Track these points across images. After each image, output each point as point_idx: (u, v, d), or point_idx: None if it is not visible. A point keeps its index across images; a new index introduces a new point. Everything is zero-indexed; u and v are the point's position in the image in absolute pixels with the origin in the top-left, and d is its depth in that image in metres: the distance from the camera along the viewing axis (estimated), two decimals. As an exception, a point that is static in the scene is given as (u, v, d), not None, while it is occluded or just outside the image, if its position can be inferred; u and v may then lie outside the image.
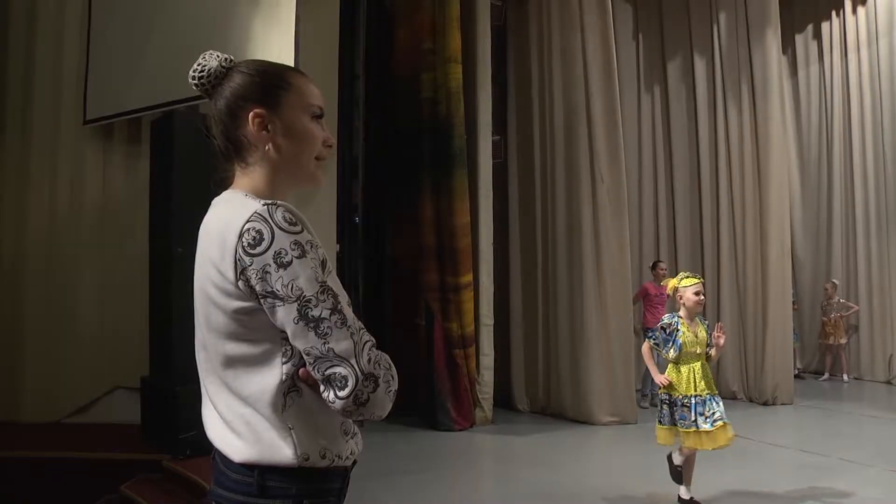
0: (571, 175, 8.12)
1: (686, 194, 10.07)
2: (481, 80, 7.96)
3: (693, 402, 4.64)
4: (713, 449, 4.63)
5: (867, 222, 11.23)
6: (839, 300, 11.11)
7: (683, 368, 4.72)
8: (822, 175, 11.95)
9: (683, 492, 4.80)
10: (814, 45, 12.16)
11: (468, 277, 7.58)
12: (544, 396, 8.33)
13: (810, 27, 12.16)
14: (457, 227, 7.55)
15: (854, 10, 11.50)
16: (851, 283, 11.37)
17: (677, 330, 4.68)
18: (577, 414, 7.83)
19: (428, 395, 7.55)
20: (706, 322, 4.86)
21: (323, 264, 1.41)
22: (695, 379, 4.68)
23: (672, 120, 10.19)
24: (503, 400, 8.28)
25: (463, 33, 7.79)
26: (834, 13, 11.79)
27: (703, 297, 4.73)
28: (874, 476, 5.73)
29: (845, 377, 11.05)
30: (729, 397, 9.17)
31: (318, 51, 6.15)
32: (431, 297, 7.60)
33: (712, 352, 4.73)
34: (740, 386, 9.37)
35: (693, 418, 4.61)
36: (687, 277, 4.82)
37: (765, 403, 8.99)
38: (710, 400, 4.67)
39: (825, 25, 11.97)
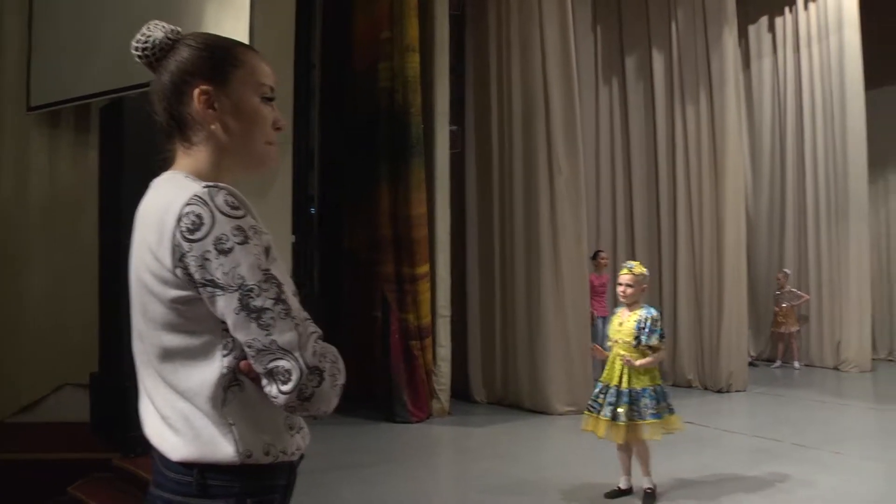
0: (529, 166, 8.10)
1: (644, 185, 10.14)
2: (439, 69, 7.89)
3: (609, 390, 4.66)
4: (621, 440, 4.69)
5: (818, 214, 11.47)
6: (790, 289, 11.32)
7: (611, 356, 4.75)
8: (775, 167, 12.16)
9: (622, 481, 4.83)
10: (767, 38, 12.35)
11: (425, 268, 7.53)
12: (502, 387, 8.32)
13: (764, 20, 12.34)
14: (413, 218, 7.48)
15: (805, 6, 11.71)
16: (803, 272, 11.60)
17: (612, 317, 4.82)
18: (534, 404, 7.84)
19: (384, 387, 7.50)
20: (650, 314, 4.72)
21: (267, 251, 1.33)
22: (611, 366, 4.70)
23: (630, 111, 10.24)
24: (460, 391, 8.25)
25: (421, 22, 7.72)
26: (787, 8, 11.99)
27: (626, 288, 4.70)
28: (823, 459, 5.89)
29: (796, 364, 11.29)
30: (684, 385, 9.36)
31: (273, 38, 6.03)
32: (388, 289, 7.54)
33: (635, 362, 4.62)
34: (696, 374, 9.49)
35: (604, 405, 4.64)
36: (622, 268, 4.85)
37: (719, 391, 9.13)
38: (624, 392, 4.63)
39: (778, 20, 12.17)
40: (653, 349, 4.65)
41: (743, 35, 11.98)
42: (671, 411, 4.71)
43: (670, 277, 9.76)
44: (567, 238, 7.96)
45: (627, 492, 4.83)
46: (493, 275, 8.43)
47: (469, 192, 8.64)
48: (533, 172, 8.05)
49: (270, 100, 1.52)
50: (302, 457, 1.51)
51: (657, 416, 4.63)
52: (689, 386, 9.39)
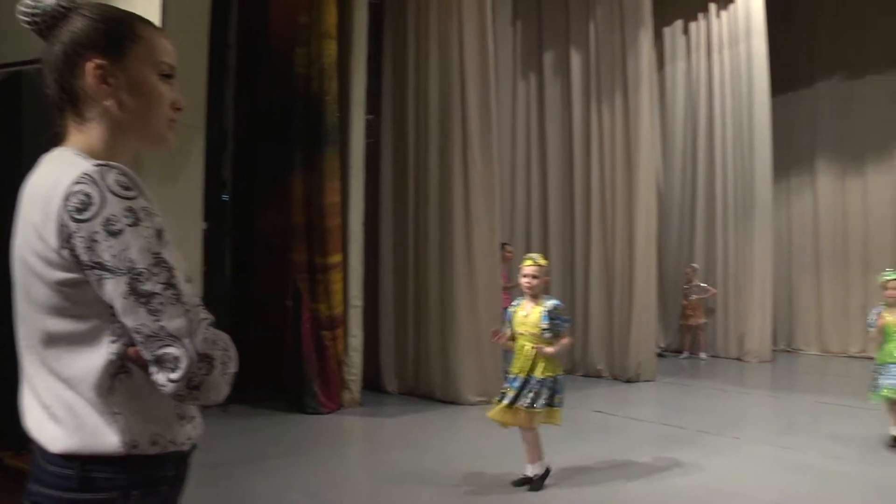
0: (444, 158, 8.10)
1: (558, 180, 10.29)
2: (356, 57, 7.79)
3: (516, 379, 4.73)
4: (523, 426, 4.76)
5: (726, 213, 12.00)
6: (698, 284, 11.72)
7: (517, 346, 4.81)
8: (686, 166, 12.59)
9: (528, 469, 4.90)
10: (682, 42, 12.77)
11: (337, 258, 7.44)
12: (413, 378, 8.32)
13: (679, 23, 12.76)
14: (327, 207, 7.37)
15: (718, 14, 12.17)
16: (710, 268, 12.08)
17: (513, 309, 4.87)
18: (445, 394, 7.87)
19: (295, 378, 7.38)
20: (557, 304, 4.81)
21: (159, 234, 1.28)
22: (521, 358, 4.76)
23: (547, 107, 10.37)
24: (372, 382, 8.22)
25: (339, 9, 7.60)
26: (701, 14, 12.41)
27: (531, 279, 4.76)
28: (721, 444, 6.16)
29: (703, 355, 11.74)
30: (594, 375, 9.56)
31: (187, 15, 5.84)
32: (300, 278, 7.42)
33: (547, 349, 4.71)
34: (606, 364, 9.72)
35: (510, 394, 4.71)
36: (524, 259, 4.91)
37: (628, 381, 9.39)
38: (534, 380, 4.70)
39: (693, 24, 12.62)
40: (559, 338, 4.76)
41: (658, 37, 12.36)
42: (560, 404, 4.82)
43: (583, 271, 9.96)
44: (480, 230, 8.01)
45: (546, 474, 4.91)
46: (407, 265, 8.40)
47: (384, 183, 8.57)
48: (448, 164, 8.06)
49: (169, 77, 1.45)
50: (194, 447, 1.46)
51: (560, 404, 4.77)
52: (598, 376, 9.64)
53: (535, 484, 4.81)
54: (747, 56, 11.69)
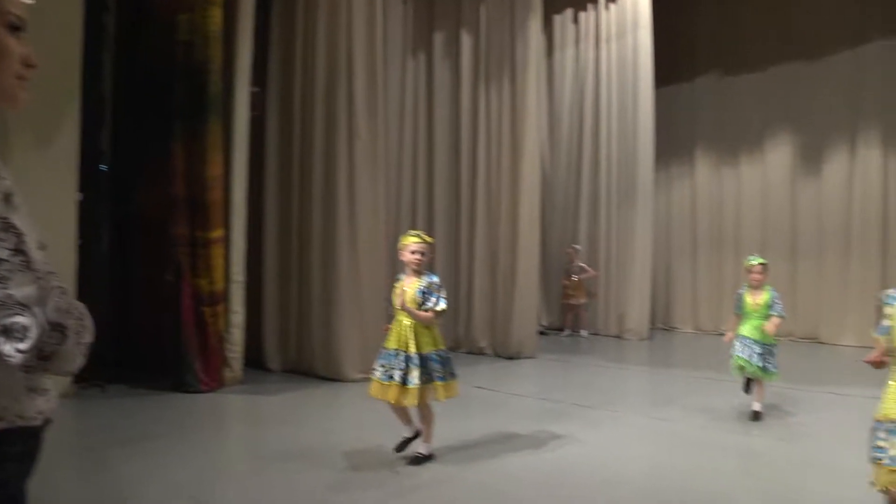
0: (329, 133, 8.01)
1: (446, 159, 10.36)
2: (242, 26, 7.59)
3: (398, 356, 4.77)
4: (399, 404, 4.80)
5: (609, 197, 12.47)
6: (580, 264, 12.10)
7: (396, 321, 4.87)
8: (572, 151, 12.96)
9: (407, 431, 4.95)
10: (571, 30, 13.08)
11: (219, 232, 7.27)
12: (296, 354, 8.25)
13: (569, 12, 13.06)
14: (209, 180, 7.18)
15: (606, 6, 12.56)
16: (593, 250, 12.52)
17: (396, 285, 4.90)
18: (327, 371, 7.84)
19: (175, 355, 7.17)
20: (433, 279, 4.86)
21: (7, 198, 1.22)
22: (397, 333, 4.81)
23: (435, 86, 10.37)
24: (254, 359, 8.09)
25: (226, -24, 7.38)
26: (590, 4, 12.75)
27: (420, 256, 4.80)
28: (599, 417, 6.42)
29: (584, 333, 12.15)
30: (477, 352, 9.73)
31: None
32: (181, 252, 7.20)
33: (417, 312, 4.76)
34: (488, 341, 9.91)
35: (394, 371, 4.75)
36: (407, 235, 4.93)
37: (510, 357, 9.60)
38: (414, 357, 4.75)
39: (582, 14, 12.97)
40: (437, 314, 4.81)
41: (548, 24, 12.64)
42: (454, 376, 4.90)
43: (467, 250, 10.10)
44: (364, 206, 7.98)
45: (415, 436, 4.96)
46: (291, 241, 8.29)
47: (269, 156, 8.40)
48: (333, 139, 7.97)
49: (18, 29, 1.36)
50: (48, 422, 1.40)
51: (443, 378, 4.83)
52: (481, 353, 9.83)
53: (414, 461, 4.85)
54: (633, 48, 12.10)
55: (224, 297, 7.36)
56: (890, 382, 3.09)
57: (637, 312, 11.99)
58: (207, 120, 7.17)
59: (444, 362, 4.86)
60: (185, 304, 7.13)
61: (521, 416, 6.43)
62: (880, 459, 3.01)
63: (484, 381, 7.95)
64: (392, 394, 4.74)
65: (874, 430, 3.08)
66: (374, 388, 4.85)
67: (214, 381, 7.20)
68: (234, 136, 7.51)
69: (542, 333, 11.51)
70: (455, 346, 9.95)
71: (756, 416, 6.22)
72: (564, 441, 5.53)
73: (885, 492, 3.04)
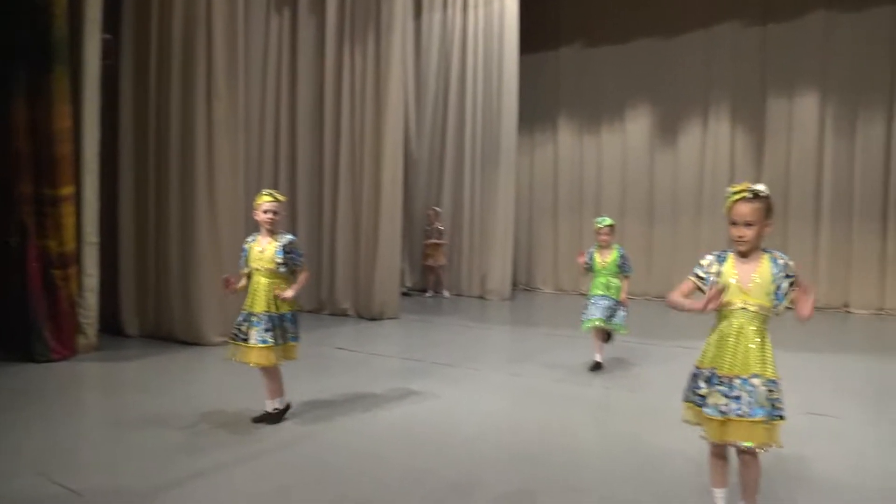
0: (187, 89, 7.69)
1: (308, 118, 10.26)
2: (91, -35, 7.09)
3: (253, 316, 4.76)
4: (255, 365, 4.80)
5: (473, 160, 12.84)
6: (438, 226, 12.34)
7: (253, 282, 4.83)
8: (437, 114, 13.15)
9: (268, 404, 4.96)
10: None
11: (69, 189, 6.85)
12: (154, 319, 7.99)
13: (438, -26, 13.01)
14: (56, 133, 6.72)
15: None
16: (457, 212, 12.78)
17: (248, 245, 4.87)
18: (187, 335, 7.66)
19: (21, 322, 6.75)
20: (292, 238, 4.86)
21: None
22: (257, 294, 4.79)
23: (299, 45, 10.18)
24: (110, 324, 7.80)
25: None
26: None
27: (273, 215, 4.77)
28: (459, 375, 6.62)
29: (446, 293, 12.49)
30: (340, 314, 9.78)
31: None
32: (25, 211, 6.74)
33: (287, 293, 4.78)
34: (351, 303, 9.98)
35: (254, 332, 4.73)
36: (261, 195, 4.88)
37: (373, 319, 9.71)
38: (275, 317, 4.75)
39: (450, -21, 12.94)
40: (296, 273, 4.84)
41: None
42: (296, 338, 4.91)
43: (330, 211, 10.09)
44: (223, 164, 7.76)
45: (287, 408, 4.99)
46: (147, 200, 7.97)
47: (123, 108, 7.96)
48: (190, 94, 7.67)
49: None
50: None
51: (296, 338, 4.88)
52: (344, 314, 9.91)
53: (272, 417, 4.88)
54: (500, 14, 12.40)
55: (76, 259, 6.99)
56: (712, 334, 3.32)
57: (499, 273, 12.41)
58: (52, 69, 6.69)
59: (295, 322, 4.90)
60: (31, 266, 6.71)
61: (381, 375, 6.55)
62: (699, 405, 3.22)
63: (346, 342, 7.99)
64: (253, 356, 4.71)
65: (695, 376, 3.30)
66: (234, 351, 4.78)
67: (67, 349, 6.86)
68: (84, 85, 7.05)
69: (405, 295, 11.69)
70: (318, 307, 9.95)
71: (597, 366, 6.66)
72: (425, 398, 5.69)
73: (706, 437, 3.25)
